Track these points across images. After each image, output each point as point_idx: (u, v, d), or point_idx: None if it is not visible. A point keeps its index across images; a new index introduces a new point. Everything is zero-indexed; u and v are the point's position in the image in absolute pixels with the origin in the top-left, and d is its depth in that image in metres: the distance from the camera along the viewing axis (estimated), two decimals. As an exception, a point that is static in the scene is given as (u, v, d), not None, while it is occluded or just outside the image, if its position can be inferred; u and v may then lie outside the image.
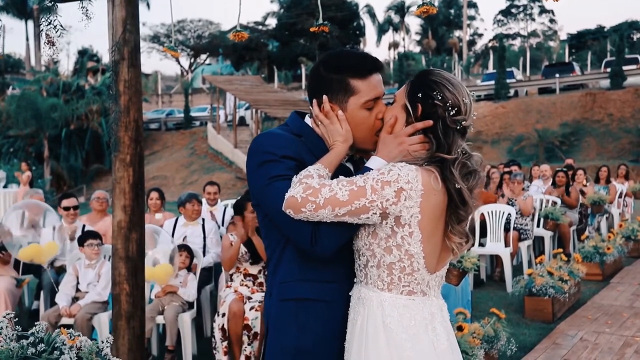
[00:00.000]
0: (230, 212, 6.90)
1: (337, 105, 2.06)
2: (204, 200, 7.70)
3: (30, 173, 13.74)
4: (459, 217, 1.98)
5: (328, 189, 1.86)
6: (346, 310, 2.07)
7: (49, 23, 3.16)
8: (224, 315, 4.76)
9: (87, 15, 3.28)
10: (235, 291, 4.96)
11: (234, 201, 8.16)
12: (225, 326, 4.73)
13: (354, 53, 2.15)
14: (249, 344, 4.65)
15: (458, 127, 1.98)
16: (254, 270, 5.06)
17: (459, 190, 1.94)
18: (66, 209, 6.27)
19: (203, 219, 6.40)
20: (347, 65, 2.07)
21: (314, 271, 2.03)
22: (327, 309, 2.05)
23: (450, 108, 1.96)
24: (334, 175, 1.98)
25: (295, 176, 1.93)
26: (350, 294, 2.08)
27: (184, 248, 5.50)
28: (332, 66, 2.08)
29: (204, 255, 6.01)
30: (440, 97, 1.96)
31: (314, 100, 2.10)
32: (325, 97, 2.06)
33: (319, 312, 2.04)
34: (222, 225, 6.91)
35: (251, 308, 4.70)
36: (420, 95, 1.98)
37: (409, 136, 2.00)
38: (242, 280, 5.04)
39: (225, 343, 4.74)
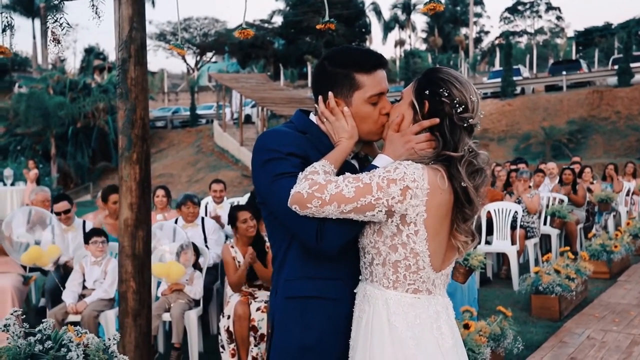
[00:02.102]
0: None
1: (342, 99, 2.06)
2: (210, 199, 7.70)
3: (37, 171, 13.79)
4: (465, 216, 1.97)
5: (334, 185, 1.86)
6: (351, 307, 2.07)
7: (55, 21, 3.16)
8: (229, 317, 4.74)
9: (97, 14, 3.27)
10: (241, 290, 4.94)
11: (240, 199, 8.17)
12: (231, 328, 4.71)
13: (359, 49, 2.17)
14: (255, 345, 4.62)
15: (465, 125, 1.97)
16: (258, 282, 5.01)
17: (464, 189, 1.93)
18: (57, 214, 6.13)
19: (202, 219, 6.34)
20: (352, 60, 2.07)
21: (318, 269, 2.03)
22: (332, 306, 2.05)
23: (457, 105, 1.95)
24: (339, 172, 1.97)
25: (300, 173, 1.93)
26: (355, 291, 2.08)
27: (188, 246, 5.49)
28: (337, 61, 2.08)
29: (207, 255, 5.99)
30: (447, 95, 1.95)
31: (320, 97, 2.10)
32: (330, 93, 2.06)
33: (324, 309, 2.04)
34: (228, 223, 6.90)
35: (257, 309, 4.67)
36: (427, 92, 1.97)
37: (415, 134, 1.99)
38: (247, 288, 4.99)
39: (232, 345, 4.72)
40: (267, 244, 4.97)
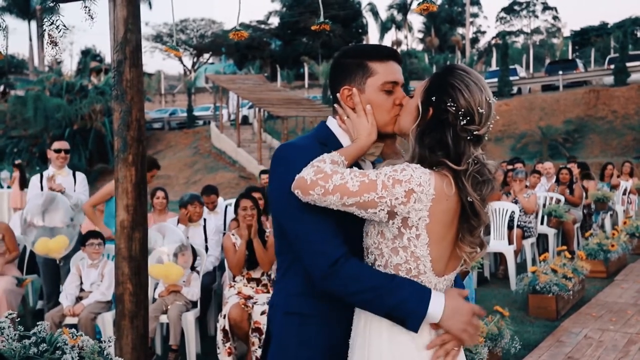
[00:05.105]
0: (230, 211, 6.89)
1: (355, 87, 2.04)
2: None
3: (19, 174, 13.75)
4: (471, 227, 1.93)
5: (340, 176, 1.83)
6: (349, 324, 2.02)
7: (52, 23, 3.16)
8: (225, 316, 4.75)
9: (90, 16, 3.27)
10: (239, 293, 4.95)
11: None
12: (227, 328, 4.73)
13: (372, 44, 2.23)
14: (259, 347, 4.62)
15: (469, 137, 1.90)
16: (256, 274, 5.05)
17: (470, 203, 1.89)
18: (57, 151, 6.04)
19: (205, 219, 6.35)
20: (365, 50, 2.10)
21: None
22: (331, 324, 2.01)
23: (461, 117, 1.88)
24: None
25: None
26: None
27: (187, 247, 5.48)
28: (351, 53, 2.10)
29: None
30: (453, 106, 1.88)
31: (338, 94, 2.07)
32: (355, 89, 2.04)
33: (322, 327, 2.00)
34: (225, 225, 6.90)
35: (262, 312, 4.65)
36: (434, 99, 1.92)
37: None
38: (246, 283, 5.03)
39: (228, 344, 4.73)
40: (267, 232, 5.16)
